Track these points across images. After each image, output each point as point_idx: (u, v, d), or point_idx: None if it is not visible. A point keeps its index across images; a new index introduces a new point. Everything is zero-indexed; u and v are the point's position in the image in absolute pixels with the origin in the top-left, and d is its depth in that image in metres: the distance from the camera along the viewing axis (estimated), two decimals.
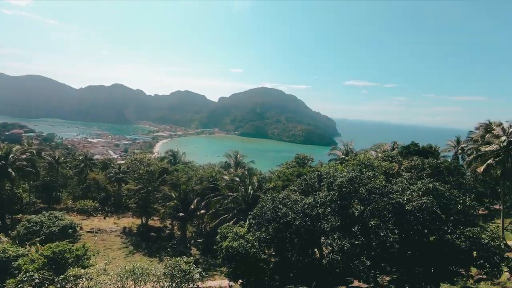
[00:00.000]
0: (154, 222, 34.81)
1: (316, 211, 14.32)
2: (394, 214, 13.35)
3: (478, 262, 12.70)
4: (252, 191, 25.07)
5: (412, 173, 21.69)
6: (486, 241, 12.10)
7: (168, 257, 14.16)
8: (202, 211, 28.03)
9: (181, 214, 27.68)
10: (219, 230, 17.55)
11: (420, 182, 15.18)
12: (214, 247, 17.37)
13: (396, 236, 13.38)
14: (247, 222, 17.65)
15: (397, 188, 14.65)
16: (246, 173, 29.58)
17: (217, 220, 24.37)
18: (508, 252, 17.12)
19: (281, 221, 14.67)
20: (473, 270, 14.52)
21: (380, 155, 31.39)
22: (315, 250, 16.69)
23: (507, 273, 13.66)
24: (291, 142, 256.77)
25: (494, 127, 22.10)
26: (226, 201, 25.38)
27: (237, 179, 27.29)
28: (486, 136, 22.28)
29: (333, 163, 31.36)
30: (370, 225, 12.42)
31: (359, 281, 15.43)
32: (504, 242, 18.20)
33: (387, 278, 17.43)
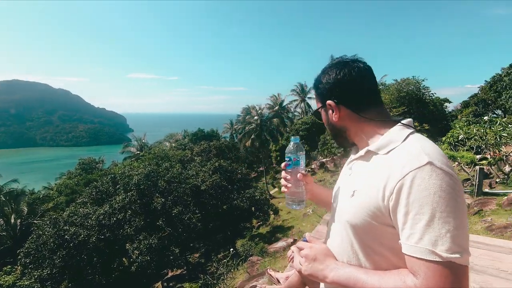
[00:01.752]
0: None
1: (115, 218, 12.85)
2: (193, 197, 14.53)
3: (256, 214, 16.61)
4: (19, 220, 18.64)
5: (203, 156, 24.45)
6: (258, 197, 15.91)
7: None
8: None
9: None
10: None
11: (209, 162, 17.38)
12: None
13: (198, 215, 14.76)
14: (19, 263, 13.00)
15: (192, 172, 15.96)
16: (3, 198, 21.38)
17: None
18: (271, 199, 23.70)
19: (71, 244, 11.96)
20: (254, 221, 18.91)
21: (174, 144, 32.85)
22: (123, 259, 15.19)
23: (272, 215, 18.86)
24: (73, 146, 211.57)
25: (252, 110, 29.33)
26: None
27: None
28: (247, 117, 29.22)
29: (128, 161, 29.31)
30: (173, 213, 12.79)
31: (172, 270, 15.77)
32: (269, 193, 24.98)
33: (197, 255, 19.08)
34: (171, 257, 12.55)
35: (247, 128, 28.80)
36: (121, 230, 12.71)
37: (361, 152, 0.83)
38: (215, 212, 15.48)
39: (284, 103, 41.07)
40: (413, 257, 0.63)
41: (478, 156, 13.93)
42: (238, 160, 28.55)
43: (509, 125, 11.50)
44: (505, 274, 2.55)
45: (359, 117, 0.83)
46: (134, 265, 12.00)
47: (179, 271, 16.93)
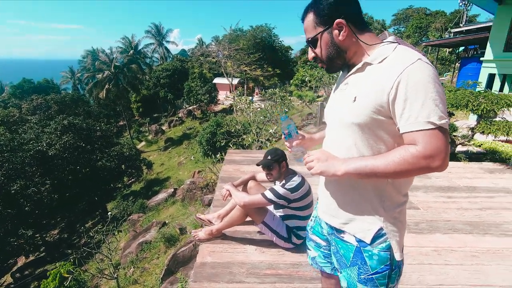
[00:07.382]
0: None
1: None
2: (39, 165, 11.62)
3: (128, 172, 15.28)
4: None
5: (40, 115, 19.17)
6: (127, 153, 14.50)
7: None
8: None
9: None
10: None
11: (53, 122, 13.91)
12: None
13: (48, 186, 12.10)
14: None
15: (29, 136, 12.42)
16: None
17: None
18: (142, 153, 22.15)
19: None
20: (125, 179, 17.43)
21: None
22: None
23: (146, 169, 17.91)
24: None
25: (100, 54, 24.25)
26: None
27: None
28: (96, 63, 24.13)
29: None
30: (13, 190, 9.96)
31: (26, 257, 12.94)
32: (136, 148, 23.08)
33: (57, 231, 16.22)
34: (22, 241, 10.14)
35: (98, 76, 24.02)
36: None
37: (359, 65, 0.91)
38: (74, 178, 13.14)
39: (139, 47, 36.31)
40: (412, 131, 0.79)
41: (315, 94, 17.48)
42: (89, 115, 24.14)
43: None
44: None
45: (356, 38, 0.90)
46: None
47: (31, 257, 14.05)
